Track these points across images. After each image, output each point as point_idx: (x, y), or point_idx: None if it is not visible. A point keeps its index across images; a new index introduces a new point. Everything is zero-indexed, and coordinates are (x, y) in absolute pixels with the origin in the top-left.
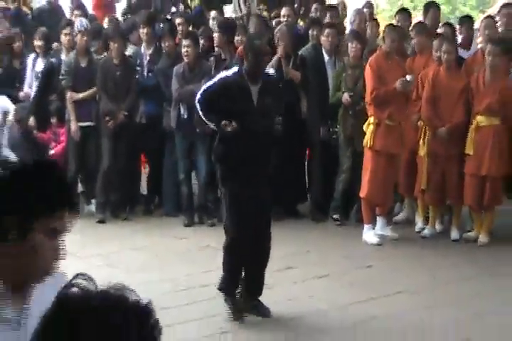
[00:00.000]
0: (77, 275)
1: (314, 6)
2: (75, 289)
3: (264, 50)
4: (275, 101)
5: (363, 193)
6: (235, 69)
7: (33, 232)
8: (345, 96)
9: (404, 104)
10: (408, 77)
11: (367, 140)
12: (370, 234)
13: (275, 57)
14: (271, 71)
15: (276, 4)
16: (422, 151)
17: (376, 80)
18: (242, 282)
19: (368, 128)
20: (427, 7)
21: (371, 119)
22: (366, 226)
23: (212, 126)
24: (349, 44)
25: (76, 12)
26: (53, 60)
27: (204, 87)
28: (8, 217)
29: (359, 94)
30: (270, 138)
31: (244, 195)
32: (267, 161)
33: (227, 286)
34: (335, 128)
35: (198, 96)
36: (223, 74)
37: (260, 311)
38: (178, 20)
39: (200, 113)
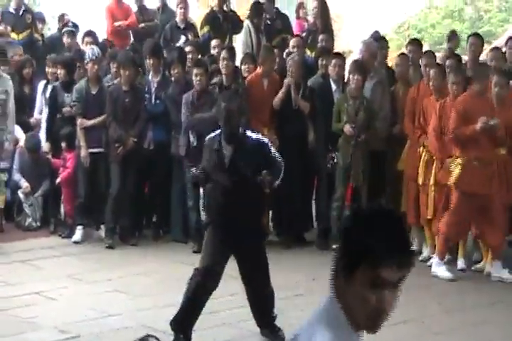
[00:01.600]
0: (148, 336)
1: (321, 37)
2: None
3: (234, 109)
4: (249, 163)
5: (442, 228)
6: (218, 131)
7: (354, 278)
8: (347, 128)
9: (490, 143)
10: (492, 121)
11: (454, 178)
12: (442, 269)
13: (284, 87)
14: (254, 135)
15: (274, 32)
16: (420, 179)
17: (457, 122)
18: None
19: (456, 167)
20: (469, 37)
21: (459, 160)
22: (438, 261)
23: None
24: (350, 76)
25: (87, 39)
26: (56, 84)
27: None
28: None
29: (360, 125)
30: (246, 193)
31: (225, 241)
32: (247, 212)
33: (181, 321)
34: (333, 154)
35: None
36: (212, 135)
37: (275, 337)
38: (187, 49)
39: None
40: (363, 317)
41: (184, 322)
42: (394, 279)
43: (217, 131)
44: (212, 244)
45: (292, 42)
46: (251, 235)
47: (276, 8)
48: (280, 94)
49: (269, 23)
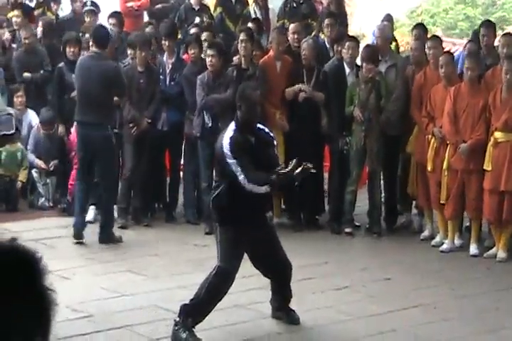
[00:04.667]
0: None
1: (326, 21)
2: None
3: (258, 100)
4: (269, 155)
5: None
6: (233, 126)
7: None
8: (356, 111)
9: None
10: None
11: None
12: None
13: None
14: (265, 128)
15: (299, 17)
16: (429, 166)
17: None
18: (272, 292)
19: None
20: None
21: None
22: None
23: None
24: (363, 63)
25: (111, 21)
26: (61, 64)
27: (238, 169)
28: None
29: (372, 109)
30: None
31: (241, 238)
32: (266, 206)
33: (195, 309)
34: (347, 139)
35: (243, 179)
36: (227, 136)
37: (290, 318)
38: (193, 30)
39: (256, 186)
40: None
41: (197, 311)
42: None
43: (232, 126)
44: (232, 246)
45: (292, 28)
46: (266, 227)
47: None
48: (291, 90)
49: (294, 6)
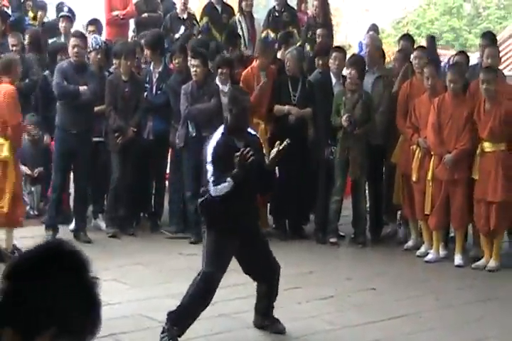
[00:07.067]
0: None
1: (318, 31)
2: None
3: (248, 105)
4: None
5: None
6: (221, 129)
7: None
8: (344, 119)
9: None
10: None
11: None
12: None
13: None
14: (253, 131)
15: (281, 25)
16: (414, 177)
17: None
18: (257, 298)
19: None
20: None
21: None
22: None
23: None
24: (348, 70)
25: (90, 28)
26: (46, 72)
27: (211, 177)
28: None
29: (357, 118)
30: (255, 193)
31: (228, 242)
32: (253, 210)
33: (180, 317)
34: (332, 149)
35: (211, 179)
36: (214, 139)
37: (275, 328)
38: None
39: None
40: None
41: (183, 318)
42: None
43: (221, 129)
44: (218, 250)
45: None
46: (255, 230)
47: (285, 1)
48: (281, 109)
49: (276, 15)
